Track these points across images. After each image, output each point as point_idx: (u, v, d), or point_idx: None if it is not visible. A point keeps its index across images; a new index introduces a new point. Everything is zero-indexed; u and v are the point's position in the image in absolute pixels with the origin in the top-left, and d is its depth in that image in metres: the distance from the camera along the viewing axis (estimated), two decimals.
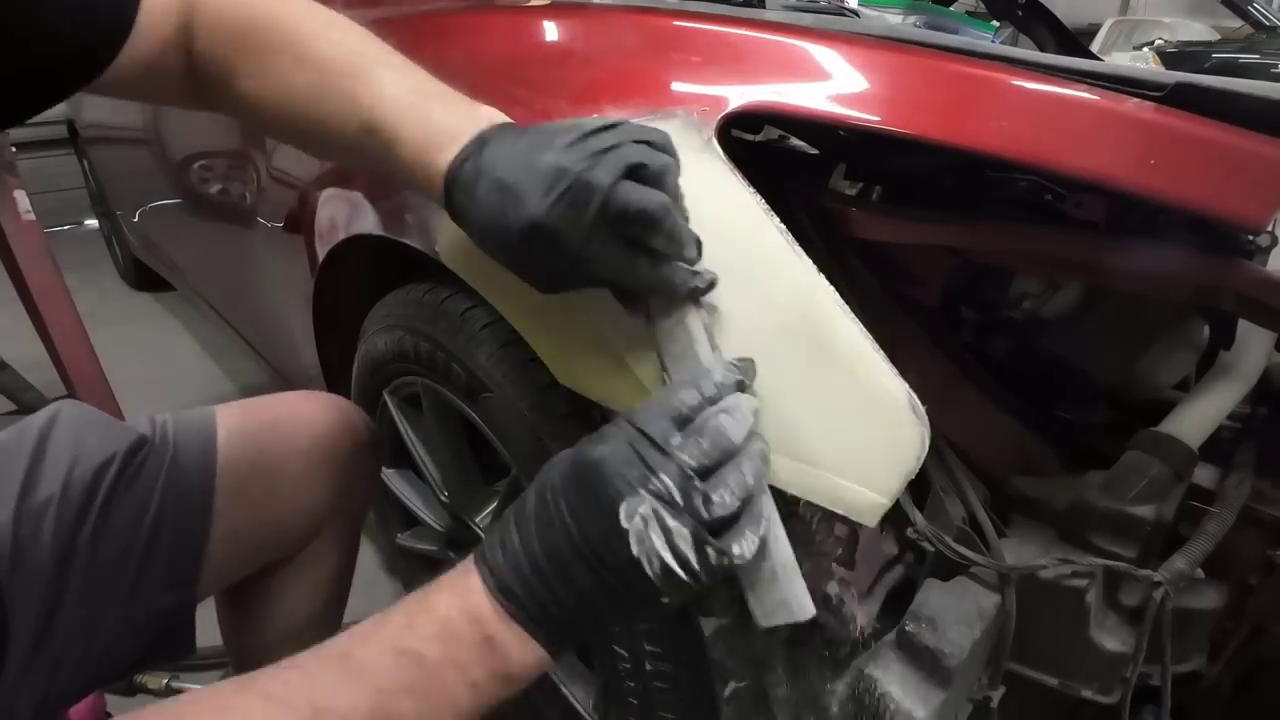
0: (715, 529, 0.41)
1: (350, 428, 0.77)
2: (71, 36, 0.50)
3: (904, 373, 0.47)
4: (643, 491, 0.40)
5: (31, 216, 1.58)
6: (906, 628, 0.59)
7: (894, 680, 0.59)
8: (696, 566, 0.40)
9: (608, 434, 0.43)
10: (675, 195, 0.47)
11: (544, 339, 0.65)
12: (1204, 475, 0.66)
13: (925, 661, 0.58)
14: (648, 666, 0.72)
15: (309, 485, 0.73)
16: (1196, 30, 4.11)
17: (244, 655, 0.85)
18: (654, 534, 0.40)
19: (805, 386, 0.49)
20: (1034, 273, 0.70)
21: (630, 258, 0.46)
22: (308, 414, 0.75)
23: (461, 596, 0.43)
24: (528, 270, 0.50)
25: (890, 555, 0.66)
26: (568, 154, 0.44)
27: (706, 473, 0.41)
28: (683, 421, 0.42)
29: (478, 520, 0.96)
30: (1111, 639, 0.60)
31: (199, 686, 1.21)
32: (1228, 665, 0.67)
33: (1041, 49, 2.05)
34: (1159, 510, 0.60)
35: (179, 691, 1.19)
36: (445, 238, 0.71)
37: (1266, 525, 0.63)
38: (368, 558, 1.47)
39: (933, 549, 0.61)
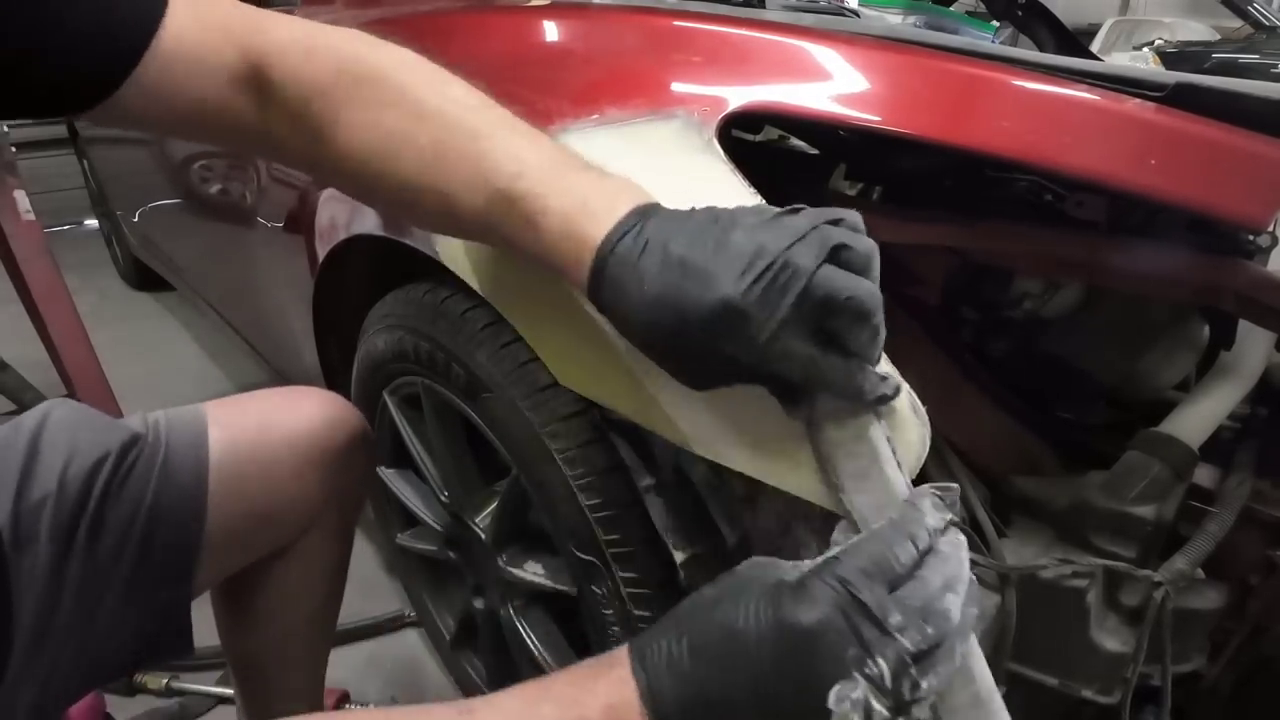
0: (906, 707, 0.37)
1: (342, 422, 0.77)
2: (87, 47, 0.46)
3: (904, 373, 0.47)
4: (858, 676, 0.35)
5: (31, 216, 1.58)
6: None
7: None
8: None
9: (817, 593, 0.37)
10: (880, 297, 0.40)
11: (544, 340, 0.65)
12: (1204, 475, 0.66)
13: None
14: None
15: (301, 479, 0.73)
16: (1196, 30, 4.11)
17: (240, 652, 0.85)
18: (858, 717, 0.35)
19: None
20: (1034, 273, 0.70)
21: (821, 355, 0.40)
22: (299, 409, 0.75)
23: (617, 711, 0.38)
24: (691, 365, 0.44)
25: None
26: (762, 232, 0.40)
27: (922, 657, 0.36)
28: (897, 582, 0.37)
29: (478, 520, 0.96)
30: (1112, 639, 0.60)
31: (198, 687, 1.21)
32: (1228, 665, 0.67)
33: (1041, 49, 2.05)
34: (1159, 510, 0.60)
35: (179, 692, 1.19)
36: (446, 238, 0.71)
37: (1266, 525, 0.63)
38: (368, 558, 1.47)
39: None
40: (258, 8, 0.51)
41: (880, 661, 0.35)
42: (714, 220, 0.42)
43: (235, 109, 0.50)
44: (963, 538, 0.40)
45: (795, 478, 0.49)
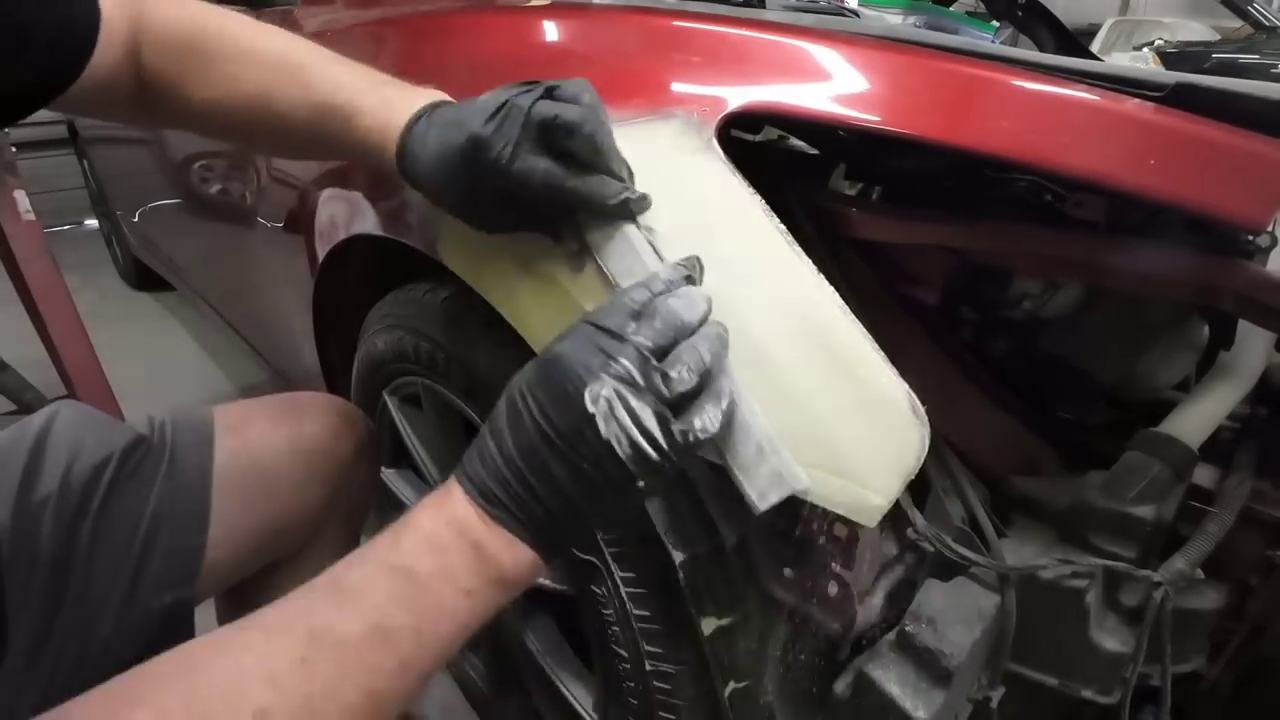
0: (677, 407, 0.43)
1: (348, 428, 0.77)
2: (41, 53, 0.53)
3: (904, 373, 0.47)
4: (604, 376, 0.42)
5: (31, 216, 1.58)
6: (906, 628, 0.59)
7: (894, 680, 0.59)
8: (664, 444, 0.42)
9: (567, 333, 0.45)
10: (596, 113, 0.50)
11: (543, 339, 0.64)
12: (1204, 475, 0.66)
13: (925, 662, 0.58)
14: (648, 666, 0.72)
15: (306, 486, 0.73)
16: (1196, 30, 4.11)
17: None
18: (620, 414, 0.41)
19: (805, 387, 0.49)
20: (1034, 273, 0.70)
21: (556, 167, 0.50)
22: (305, 413, 0.75)
23: (444, 509, 0.44)
24: (471, 202, 0.54)
25: (890, 555, 0.66)
26: (500, 93, 0.51)
27: (663, 353, 0.43)
28: (637, 314, 0.44)
29: None
30: (1111, 639, 0.60)
31: None
32: (1228, 665, 0.67)
33: (1041, 49, 2.05)
34: (1159, 510, 0.60)
35: None
36: (446, 238, 0.71)
37: (1266, 525, 0.63)
38: None
39: (932, 549, 0.61)
40: None
41: (623, 360, 0.42)
42: (472, 98, 0.53)
43: (125, 83, 0.60)
44: (703, 289, 0.48)
45: None
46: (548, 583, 0.88)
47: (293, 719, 0.38)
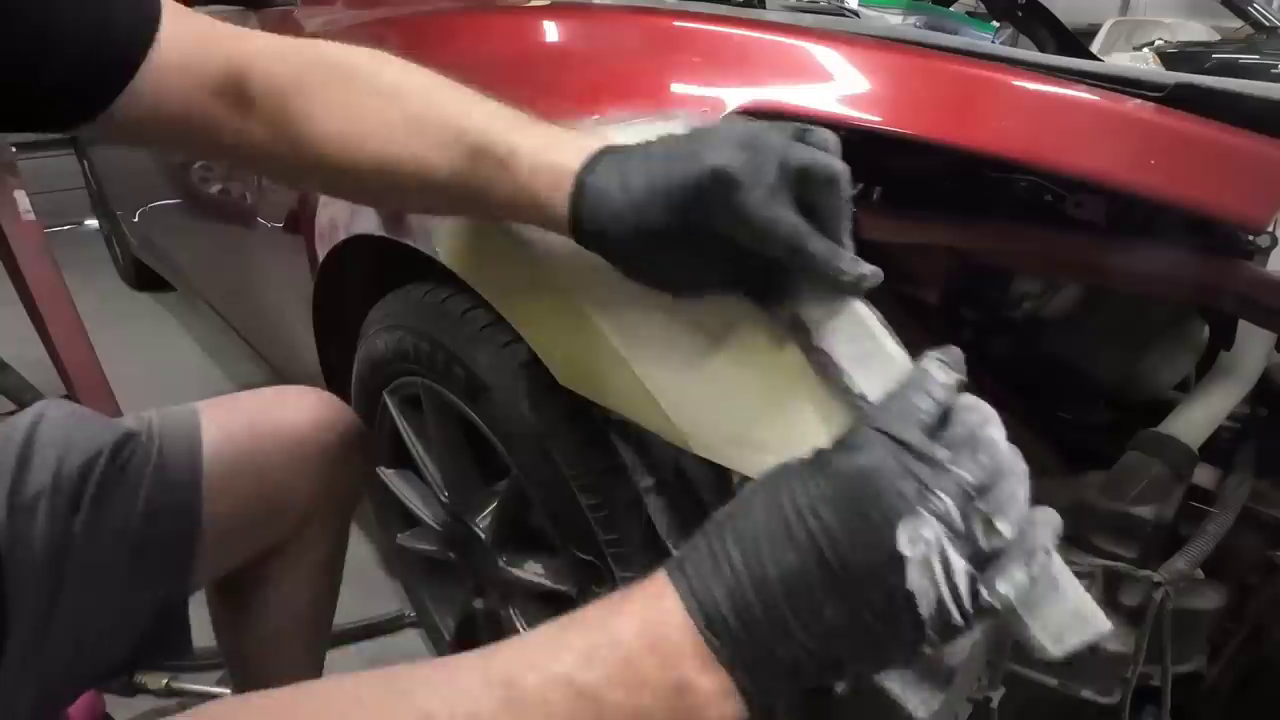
0: (984, 563, 0.34)
1: (334, 421, 0.77)
2: (78, 63, 0.47)
3: None
4: (923, 512, 0.33)
5: (31, 216, 1.58)
6: None
7: (894, 680, 0.59)
8: (969, 608, 0.33)
9: (860, 442, 0.35)
10: (846, 175, 0.43)
11: (544, 339, 0.65)
12: (1204, 475, 0.66)
13: (925, 662, 0.58)
14: None
15: (295, 477, 0.73)
16: (1196, 31, 4.11)
17: (236, 651, 0.85)
18: (935, 566, 0.32)
19: (805, 387, 0.49)
20: (1034, 273, 0.70)
21: (804, 224, 0.41)
22: (292, 407, 0.75)
23: (653, 628, 0.35)
24: (677, 253, 0.45)
25: None
26: (738, 127, 0.43)
27: (984, 491, 0.34)
28: (931, 430, 0.35)
29: (478, 520, 0.96)
30: (1111, 639, 0.60)
31: (198, 687, 1.21)
32: (1228, 666, 0.67)
33: (1041, 49, 2.05)
34: (1159, 510, 0.60)
35: (179, 692, 1.19)
36: (446, 238, 0.71)
37: (1266, 526, 0.63)
38: (368, 558, 1.47)
39: None
40: (232, 24, 0.53)
41: (942, 495, 0.33)
42: (691, 129, 0.45)
43: (218, 118, 0.52)
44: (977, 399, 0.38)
45: None
46: (547, 582, 0.88)
47: None
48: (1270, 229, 0.52)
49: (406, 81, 0.51)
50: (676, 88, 0.60)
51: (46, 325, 1.61)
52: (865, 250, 0.66)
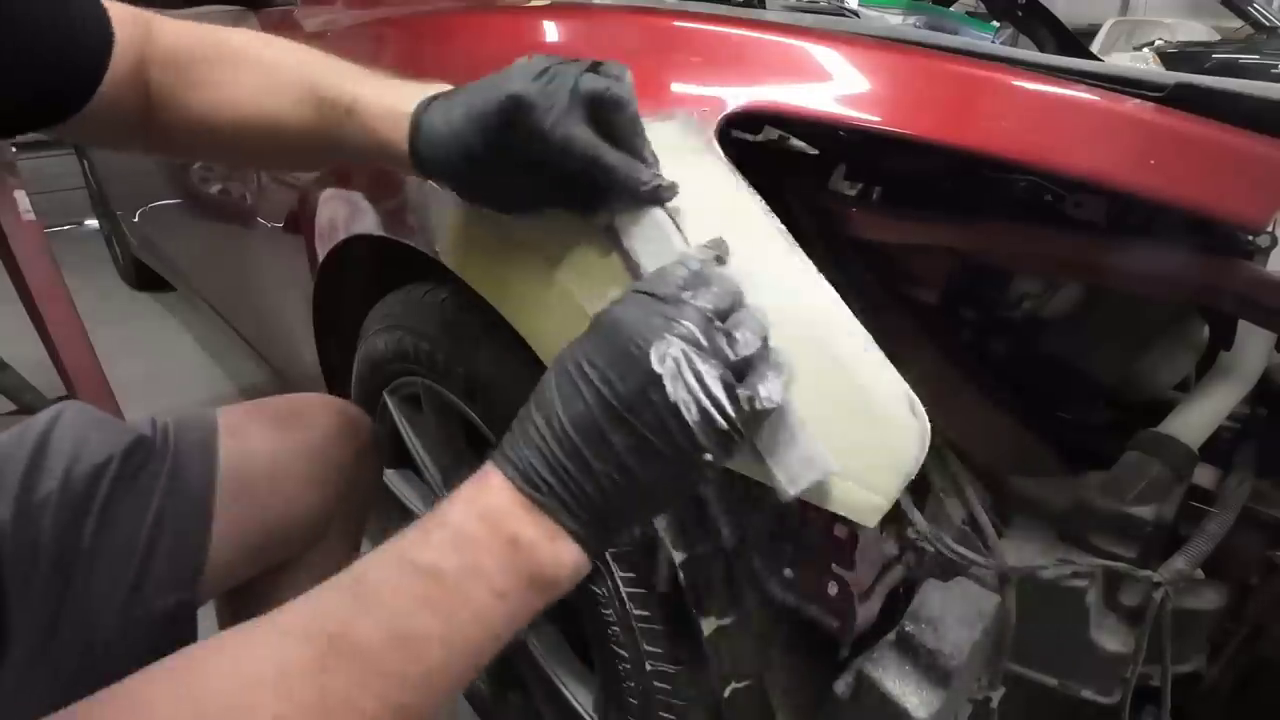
0: (739, 372, 0.41)
1: (352, 430, 0.77)
2: (50, 72, 0.52)
3: (904, 373, 0.47)
4: (669, 336, 0.40)
5: (31, 216, 1.58)
6: (906, 628, 0.59)
7: (894, 680, 0.59)
8: (730, 410, 0.40)
9: (620, 301, 0.43)
10: (636, 99, 0.50)
11: (544, 339, 0.65)
12: (1204, 475, 0.66)
13: (925, 662, 0.58)
14: (648, 667, 0.72)
15: (310, 488, 0.73)
16: (1196, 31, 4.11)
17: None
18: (687, 375, 0.39)
19: (805, 386, 0.49)
20: (1034, 273, 0.70)
21: (600, 141, 0.48)
22: (309, 416, 0.75)
23: (477, 501, 0.41)
24: (494, 176, 0.52)
25: (890, 556, 0.66)
26: (538, 61, 0.50)
27: (723, 316, 0.42)
28: (685, 284, 0.43)
29: None
30: (1111, 639, 0.60)
31: None
32: (1228, 666, 0.67)
33: (1041, 49, 2.05)
34: (1159, 511, 0.60)
35: None
36: (447, 238, 0.71)
37: (1267, 526, 0.63)
38: None
39: (932, 549, 0.61)
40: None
41: (684, 321, 0.40)
42: (502, 69, 0.51)
43: (130, 105, 0.58)
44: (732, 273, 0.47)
45: None
46: None
47: None
48: (1270, 229, 0.52)
49: (278, 55, 0.59)
50: (676, 87, 0.60)
51: (46, 325, 1.61)
52: (865, 250, 0.66)
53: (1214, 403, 0.65)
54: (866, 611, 0.64)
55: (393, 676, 0.37)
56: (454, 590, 0.39)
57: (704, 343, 0.40)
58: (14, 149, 1.62)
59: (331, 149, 0.58)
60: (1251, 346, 0.67)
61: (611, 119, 0.49)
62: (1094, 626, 0.59)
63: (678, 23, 0.67)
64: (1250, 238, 0.54)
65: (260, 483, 0.69)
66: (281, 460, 0.71)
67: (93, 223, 3.43)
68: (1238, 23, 3.76)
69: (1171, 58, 3.41)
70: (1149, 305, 0.71)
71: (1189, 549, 0.58)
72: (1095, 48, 3.75)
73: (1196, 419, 0.64)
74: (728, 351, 0.41)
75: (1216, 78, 0.54)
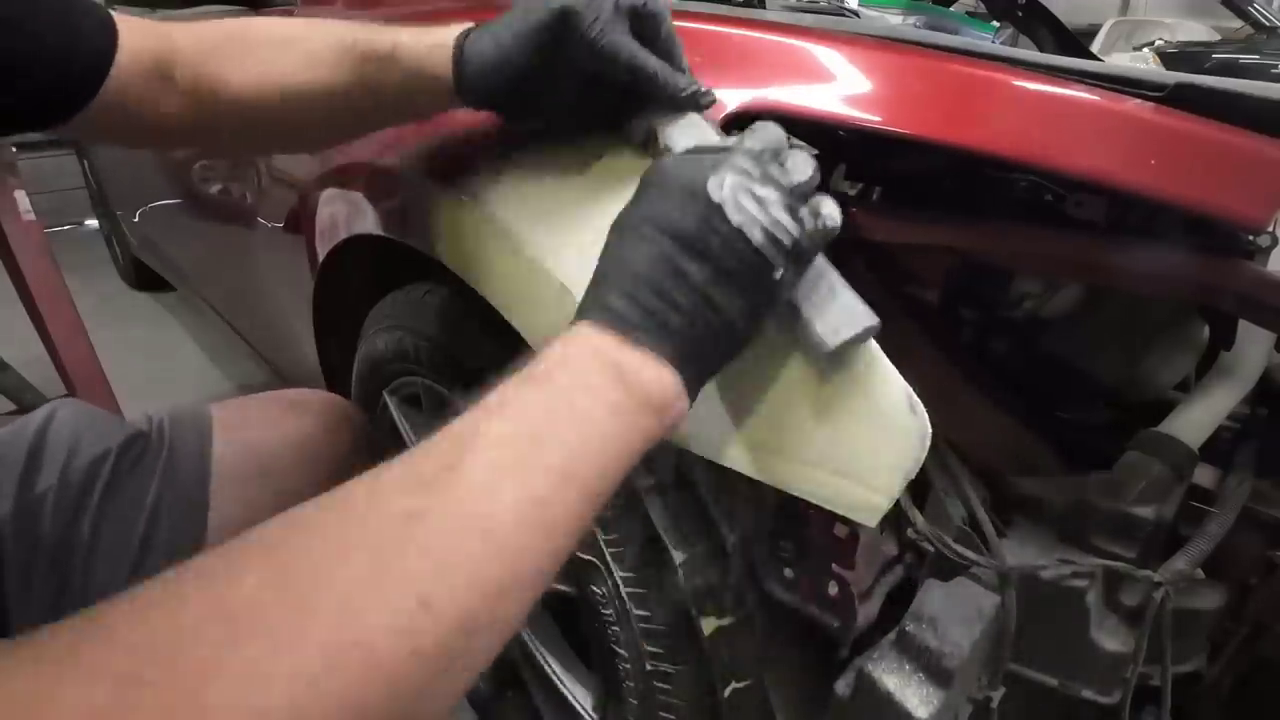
0: (799, 196, 0.43)
1: (344, 424, 0.77)
2: (51, 71, 0.53)
3: (904, 372, 0.47)
4: (724, 170, 0.41)
5: (31, 216, 1.58)
6: (906, 628, 0.59)
7: (894, 680, 0.59)
8: (793, 228, 0.42)
9: (665, 163, 0.44)
10: (667, 12, 0.53)
11: (544, 340, 0.64)
12: (1204, 475, 0.66)
13: (925, 661, 0.58)
14: (648, 666, 0.72)
15: (304, 480, 0.73)
16: (1196, 31, 4.11)
17: None
18: (746, 201, 0.41)
19: (805, 386, 0.49)
20: (1034, 273, 0.70)
21: (640, 48, 0.51)
22: (302, 409, 0.75)
23: (572, 343, 0.40)
24: (540, 89, 0.54)
25: (890, 555, 0.66)
26: None
27: (772, 154, 0.44)
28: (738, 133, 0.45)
29: None
30: (1112, 639, 0.60)
31: None
32: (1228, 666, 0.67)
33: (1041, 49, 2.05)
34: (1159, 510, 0.60)
35: None
36: (446, 237, 0.71)
37: (1267, 526, 0.63)
38: None
39: (933, 549, 0.61)
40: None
41: (735, 158, 0.42)
42: None
43: (151, 103, 0.59)
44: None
45: (792, 475, 0.49)
46: None
47: (449, 527, 0.33)
48: (1270, 229, 0.52)
49: (297, 30, 0.60)
50: None
51: (46, 325, 1.61)
52: (865, 250, 0.66)
53: (1214, 403, 0.65)
54: (867, 611, 0.64)
55: (529, 467, 0.36)
56: (570, 399, 0.38)
57: (758, 173, 0.42)
58: (14, 149, 1.62)
59: (377, 100, 0.59)
60: (1252, 346, 0.67)
61: (651, 30, 0.51)
62: (1094, 626, 0.59)
63: (678, 23, 0.66)
64: (1251, 237, 0.54)
65: (255, 475, 0.70)
66: (275, 452, 0.72)
67: (93, 223, 3.43)
68: (1238, 23, 3.76)
69: (1171, 58, 3.41)
70: (1149, 305, 0.71)
71: (1189, 549, 0.58)
72: (1095, 48, 3.75)
73: (1197, 419, 0.64)
74: (780, 179, 0.42)
75: (1216, 77, 0.54)
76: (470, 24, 0.55)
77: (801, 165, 0.43)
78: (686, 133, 0.52)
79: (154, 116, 0.59)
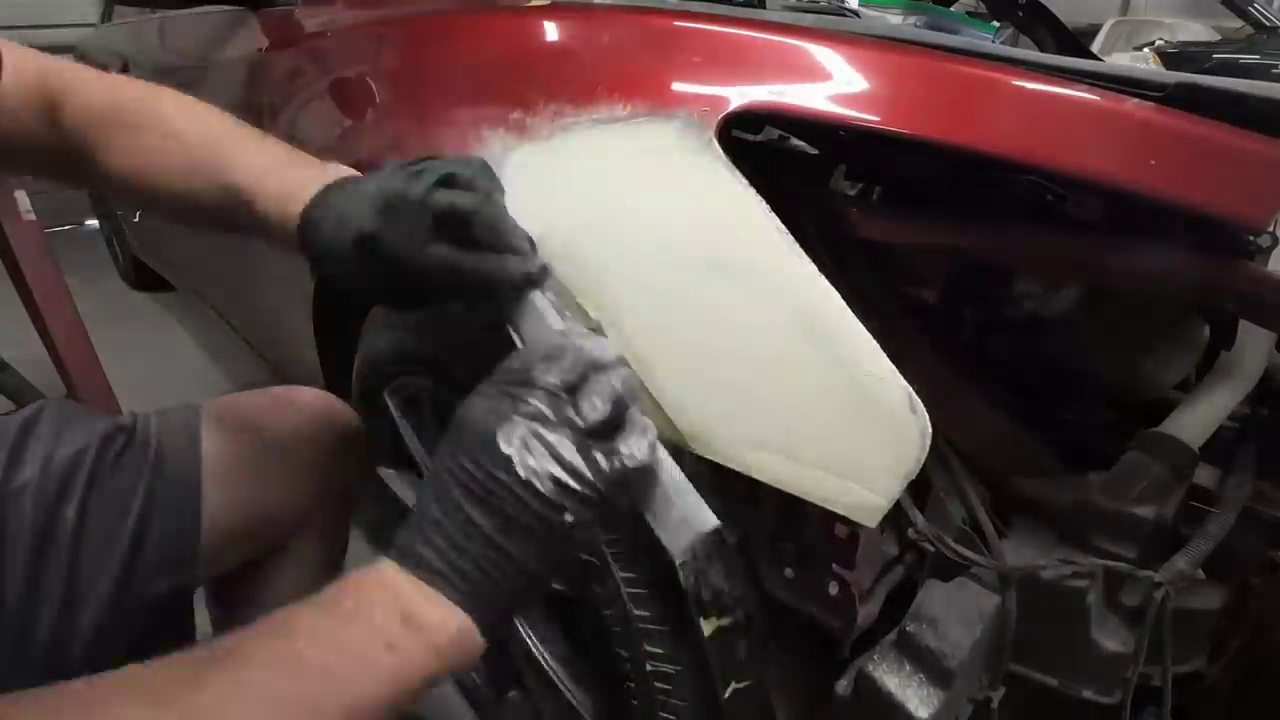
0: (599, 438, 0.43)
1: (334, 421, 0.78)
2: None
3: (904, 373, 0.47)
4: (515, 417, 0.42)
5: (31, 216, 1.57)
6: (907, 628, 0.59)
7: (894, 680, 0.59)
8: (587, 473, 0.42)
9: (472, 395, 0.46)
10: (492, 198, 0.51)
11: None
12: (1204, 475, 0.66)
13: (926, 662, 0.58)
14: (648, 667, 0.72)
15: (294, 475, 0.74)
16: (1196, 31, 4.11)
17: None
18: (535, 451, 0.42)
19: (805, 386, 0.49)
20: (1034, 273, 0.70)
21: (463, 254, 0.50)
22: (292, 407, 0.76)
23: (370, 574, 0.43)
24: (375, 291, 0.54)
25: (890, 555, 0.66)
26: (389, 179, 0.51)
27: (572, 389, 0.44)
28: (543, 360, 0.45)
29: None
30: (1112, 640, 0.60)
31: None
32: (1228, 666, 0.67)
33: (1041, 49, 2.05)
34: (1160, 511, 0.60)
35: None
36: None
37: (1267, 525, 0.63)
38: (367, 557, 1.47)
39: (933, 549, 0.61)
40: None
41: (531, 400, 0.43)
42: (363, 181, 0.53)
43: (35, 135, 0.60)
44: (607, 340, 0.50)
45: (793, 474, 0.49)
46: None
47: None
48: (1271, 229, 0.52)
49: (191, 127, 0.60)
50: (677, 87, 0.60)
51: (46, 325, 1.61)
52: (866, 250, 0.66)
53: (1215, 403, 0.65)
54: (867, 611, 0.64)
55: (273, 695, 0.37)
56: (347, 628, 0.40)
57: (551, 416, 0.42)
58: None
59: (235, 228, 0.60)
60: (1252, 346, 0.67)
61: (464, 233, 0.50)
62: (1094, 626, 0.59)
63: (678, 23, 0.67)
64: (1251, 237, 0.54)
65: (245, 470, 0.70)
66: (265, 448, 0.72)
67: (93, 223, 3.43)
68: (1238, 23, 3.76)
69: (1171, 58, 3.41)
70: (1149, 305, 0.71)
71: (1189, 549, 0.58)
72: (1095, 48, 3.75)
73: (1197, 419, 0.64)
74: (576, 420, 0.43)
75: (1217, 78, 0.54)
76: (318, 188, 0.53)
77: (598, 403, 0.43)
78: (528, 320, 0.52)
79: (17, 139, 0.60)
